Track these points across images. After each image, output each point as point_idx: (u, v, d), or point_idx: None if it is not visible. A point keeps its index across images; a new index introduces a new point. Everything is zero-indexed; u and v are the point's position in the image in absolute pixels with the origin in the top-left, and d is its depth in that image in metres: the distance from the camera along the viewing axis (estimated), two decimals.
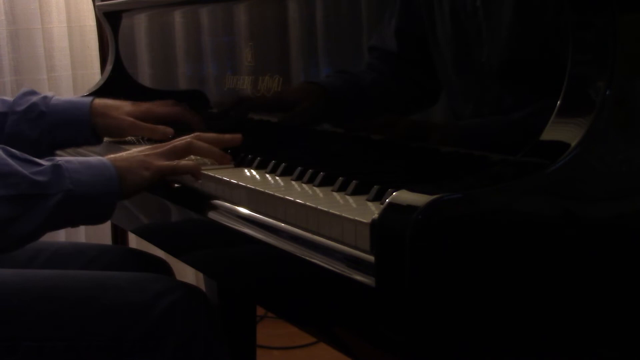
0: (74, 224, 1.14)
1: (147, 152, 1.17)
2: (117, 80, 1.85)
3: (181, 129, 1.46)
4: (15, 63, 2.43)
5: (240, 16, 1.41)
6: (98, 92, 1.82)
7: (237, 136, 1.26)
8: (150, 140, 1.51)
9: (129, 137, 1.57)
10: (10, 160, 1.04)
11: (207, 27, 1.52)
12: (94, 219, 1.13)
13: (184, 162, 1.19)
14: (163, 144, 1.21)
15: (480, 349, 0.73)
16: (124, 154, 1.16)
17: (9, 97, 1.47)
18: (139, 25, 1.79)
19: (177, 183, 1.23)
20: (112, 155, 1.15)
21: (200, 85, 1.56)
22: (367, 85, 1.14)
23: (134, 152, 1.17)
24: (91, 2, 2.39)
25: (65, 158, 1.10)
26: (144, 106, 1.50)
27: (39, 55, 2.43)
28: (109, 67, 1.89)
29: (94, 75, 2.45)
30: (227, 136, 1.26)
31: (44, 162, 1.07)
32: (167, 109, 1.51)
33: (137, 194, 1.16)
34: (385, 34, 1.09)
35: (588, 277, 0.76)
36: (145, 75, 1.78)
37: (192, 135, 1.22)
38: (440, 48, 1.01)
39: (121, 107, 1.48)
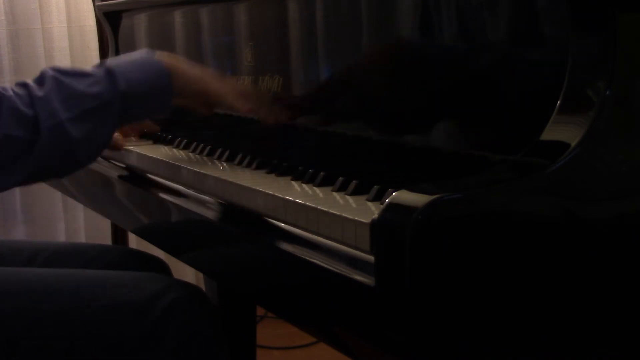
0: (140, 118, 1.26)
1: (205, 73, 1.22)
2: None
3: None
4: (15, 63, 2.43)
5: (240, 16, 1.41)
6: None
7: (286, 116, 1.26)
8: (149, 140, 1.51)
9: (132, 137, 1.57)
10: (65, 81, 1.10)
11: (207, 27, 1.52)
12: (154, 112, 1.21)
13: (241, 102, 1.22)
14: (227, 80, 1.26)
15: (480, 349, 0.73)
16: (180, 58, 1.23)
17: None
18: (139, 25, 1.79)
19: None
20: (165, 53, 1.21)
21: None
22: (367, 85, 1.14)
23: (190, 64, 1.22)
24: (91, 2, 2.39)
25: (114, 60, 1.17)
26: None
27: (39, 55, 2.43)
28: None
29: None
30: (279, 113, 1.26)
31: (96, 70, 1.13)
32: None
33: (182, 98, 1.20)
34: (395, 30, 1.09)
35: (588, 277, 0.76)
36: None
37: (252, 92, 1.26)
38: (441, 47, 1.01)
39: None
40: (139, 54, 1.20)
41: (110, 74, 1.13)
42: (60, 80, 1.10)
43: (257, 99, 1.24)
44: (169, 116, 1.23)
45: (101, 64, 1.15)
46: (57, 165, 1.12)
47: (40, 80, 1.11)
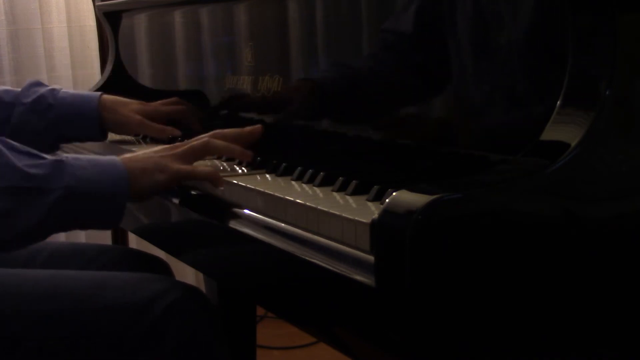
0: (81, 226, 1.10)
1: (162, 154, 1.12)
2: (117, 80, 1.85)
3: (187, 128, 1.47)
4: (15, 63, 2.43)
5: (240, 16, 1.41)
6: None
7: (257, 127, 1.20)
8: (153, 140, 1.51)
9: (131, 137, 1.57)
10: (6, 152, 1.01)
11: (207, 27, 1.52)
12: (102, 221, 1.08)
13: (201, 168, 1.14)
14: (179, 144, 1.16)
15: (480, 349, 0.73)
16: (138, 153, 1.12)
17: (16, 89, 1.46)
18: (139, 25, 1.79)
19: (196, 190, 1.23)
20: (126, 155, 1.11)
21: (200, 85, 1.56)
22: (367, 85, 1.14)
23: (149, 152, 1.12)
24: (91, 2, 2.40)
25: (73, 155, 1.07)
26: (152, 105, 1.49)
27: (39, 55, 2.43)
28: (109, 67, 1.89)
29: (94, 75, 2.45)
30: (247, 130, 1.20)
31: (47, 157, 1.04)
32: (172, 107, 1.50)
33: (149, 198, 1.12)
34: (395, 30, 1.09)
35: (588, 277, 0.76)
36: (145, 76, 1.78)
37: (209, 133, 1.17)
38: (441, 47, 1.01)
39: (129, 104, 1.47)
40: (104, 157, 1.09)
41: (59, 163, 1.03)
42: (1, 150, 1.01)
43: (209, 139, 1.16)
44: (116, 226, 1.11)
45: (58, 154, 1.06)
46: None
47: None
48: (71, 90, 1.47)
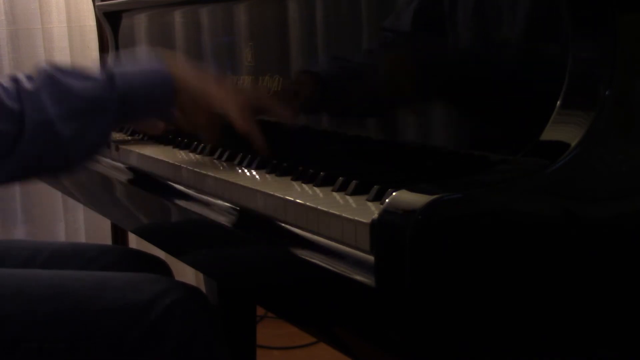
0: (139, 121, 1.25)
1: (207, 78, 1.18)
2: None
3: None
4: (15, 63, 2.43)
5: (240, 16, 1.41)
6: None
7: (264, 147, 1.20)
8: (151, 138, 1.51)
9: (126, 136, 1.57)
10: (61, 78, 1.07)
11: (207, 27, 1.52)
12: (155, 117, 1.22)
13: (241, 120, 1.17)
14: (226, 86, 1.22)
15: (480, 349, 0.73)
16: (188, 64, 1.19)
17: None
18: (139, 25, 1.79)
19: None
20: (171, 57, 1.19)
21: None
22: (367, 85, 1.14)
23: (198, 74, 1.18)
24: (91, 2, 2.39)
25: (120, 62, 1.15)
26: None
27: (39, 55, 2.43)
28: None
29: None
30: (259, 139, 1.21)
31: (97, 72, 1.11)
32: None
33: (189, 107, 1.17)
34: (395, 30, 1.09)
35: (588, 277, 0.76)
36: None
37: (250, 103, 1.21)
38: (441, 47, 1.01)
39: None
40: (146, 58, 1.17)
41: (110, 77, 1.10)
42: (54, 77, 1.07)
43: (252, 126, 1.19)
44: (170, 119, 1.20)
45: (105, 66, 1.13)
46: (47, 163, 1.09)
47: (33, 74, 1.08)
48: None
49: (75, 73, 1.10)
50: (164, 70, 1.14)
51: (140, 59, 1.17)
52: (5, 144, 1.04)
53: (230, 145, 1.27)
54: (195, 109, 1.17)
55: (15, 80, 1.07)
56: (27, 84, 1.06)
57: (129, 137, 1.57)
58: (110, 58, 1.89)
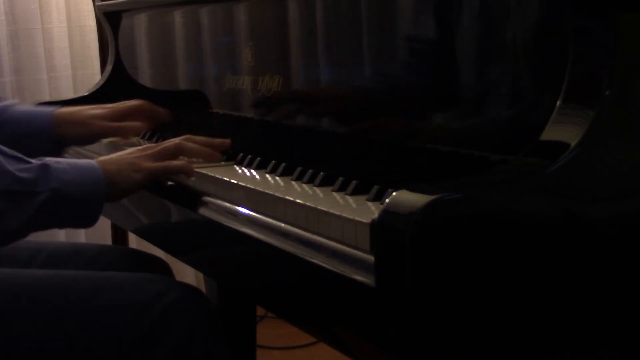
0: (61, 225, 1.15)
1: (136, 154, 1.17)
2: (117, 80, 1.85)
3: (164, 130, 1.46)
4: (15, 63, 2.43)
5: (240, 16, 1.41)
6: (98, 92, 1.82)
7: (227, 141, 1.26)
8: (150, 139, 1.51)
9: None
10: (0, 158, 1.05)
11: (207, 27, 1.52)
12: (81, 221, 1.12)
13: (175, 161, 1.19)
14: (152, 145, 1.21)
15: (481, 349, 0.73)
16: (113, 156, 1.17)
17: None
18: (139, 25, 1.79)
19: (173, 181, 1.23)
20: (102, 158, 1.16)
21: (200, 85, 1.56)
22: (367, 85, 1.14)
23: (123, 154, 1.17)
24: (91, 2, 2.39)
25: (54, 159, 1.11)
26: (108, 106, 1.46)
27: (39, 55, 2.43)
28: (109, 67, 1.89)
29: (94, 75, 2.45)
30: (217, 140, 1.26)
31: (33, 161, 1.08)
32: (131, 103, 1.48)
33: (126, 197, 1.17)
34: (394, 30, 1.09)
35: (588, 277, 0.76)
36: (145, 75, 1.78)
37: (181, 137, 1.23)
38: (441, 47, 1.01)
39: (84, 111, 1.44)
40: (83, 160, 1.14)
41: (45, 167, 1.07)
42: None
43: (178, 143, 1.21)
44: (93, 224, 1.15)
45: (42, 158, 1.10)
46: None
47: None
48: (24, 107, 1.45)
49: (13, 156, 1.07)
50: (98, 172, 1.11)
51: (78, 160, 1.14)
52: None
53: (230, 145, 1.27)
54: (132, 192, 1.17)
55: None
56: None
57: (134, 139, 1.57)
58: (110, 58, 1.89)
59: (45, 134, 1.41)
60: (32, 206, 1.05)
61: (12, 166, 1.05)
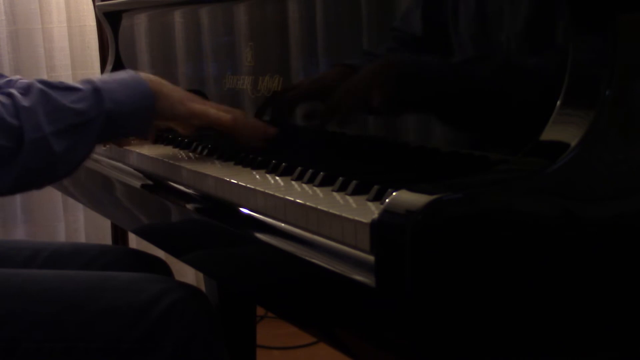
0: (121, 136, 1.26)
1: (187, 94, 1.23)
2: None
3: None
4: (15, 63, 2.43)
5: (240, 16, 1.41)
6: None
7: (272, 129, 1.27)
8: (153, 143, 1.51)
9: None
10: (52, 94, 1.11)
11: (207, 27, 1.52)
12: (135, 132, 1.23)
13: (221, 113, 1.24)
14: (206, 101, 1.27)
15: (482, 349, 0.73)
16: (164, 81, 1.22)
17: None
18: (139, 25, 1.79)
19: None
20: (151, 76, 1.22)
21: (200, 85, 1.56)
22: (367, 85, 1.14)
23: (176, 87, 1.24)
24: (91, 2, 2.40)
25: (101, 78, 1.18)
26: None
27: (39, 55, 2.43)
28: (109, 67, 1.89)
29: (94, 75, 2.45)
30: (264, 127, 1.27)
31: (83, 86, 1.14)
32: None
33: (164, 120, 1.23)
34: (394, 30, 1.09)
35: (589, 277, 0.76)
36: None
37: (234, 112, 1.26)
38: (441, 47, 1.01)
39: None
40: (125, 74, 1.20)
41: (96, 91, 1.14)
42: (47, 93, 1.11)
43: (237, 113, 1.26)
44: (147, 136, 1.25)
45: (89, 80, 1.16)
46: (37, 177, 1.12)
47: (27, 91, 1.11)
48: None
49: (64, 87, 1.13)
50: (144, 83, 1.18)
51: (122, 75, 1.20)
52: (5, 158, 1.07)
53: (230, 145, 1.27)
54: (176, 119, 1.24)
55: (10, 96, 1.09)
56: (23, 101, 1.09)
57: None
58: (110, 58, 1.89)
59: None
60: (94, 131, 1.13)
61: (67, 99, 1.12)
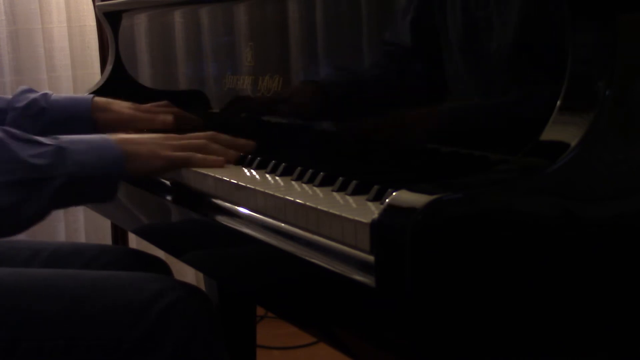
0: (79, 203, 1.21)
1: (158, 141, 1.16)
2: (117, 80, 1.85)
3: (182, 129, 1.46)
4: (15, 63, 2.43)
5: (240, 16, 1.41)
6: (98, 92, 1.81)
7: (251, 142, 1.25)
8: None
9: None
10: (10, 145, 1.05)
11: (207, 27, 1.52)
12: (98, 199, 1.15)
13: (199, 155, 1.18)
14: (178, 135, 1.20)
15: (481, 349, 0.73)
16: (135, 136, 1.16)
17: (6, 96, 1.47)
18: (139, 25, 1.79)
19: (173, 181, 1.23)
20: (122, 136, 1.15)
21: (200, 85, 1.56)
22: (367, 85, 1.14)
23: (145, 137, 1.17)
24: (91, 2, 2.40)
25: (70, 138, 1.11)
26: (143, 106, 1.50)
27: (39, 55, 2.43)
28: (109, 67, 1.89)
29: (94, 75, 2.45)
30: (242, 141, 1.25)
31: (48, 142, 1.08)
32: (164, 109, 1.51)
33: (143, 177, 1.19)
34: (394, 30, 1.09)
35: (589, 277, 0.76)
36: (145, 75, 1.78)
37: (207, 134, 1.22)
38: (441, 47, 1.01)
39: (121, 103, 1.48)
40: (97, 136, 1.14)
41: (60, 150, 1.07)
42: (5, 143, 1.05)
43: (210, 138, 1.22)
44: (112, 200, 1.16)
45: (56, 137, 1.10)
46: None
47: None
48: (63, 94, 1.48)
49: (26, 140, 1.07)
50: (115, 150, 1.11)
51: (93, 137, 1.14)
52: None
53: None
54: (156, 175, 1.20)
55: None
56: None
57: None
58: (110, 58, 1.89)
59: (85, 118, 1.44)
60: (49, 191, 1.05)
61: (26, 152, 1.05)
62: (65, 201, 1.11)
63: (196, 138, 1.20)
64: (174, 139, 1.18)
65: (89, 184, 1.09)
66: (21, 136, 1.07)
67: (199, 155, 1.17)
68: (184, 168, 1.21)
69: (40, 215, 1.08)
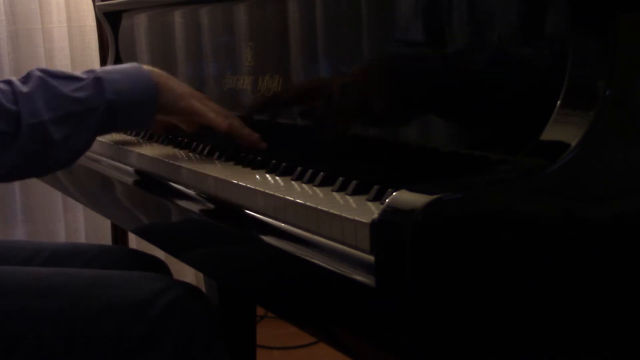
0: (122, 129, 1.30)
1: (192, 91, 1.23)
2: None
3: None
4: (15, 63, 2.43)
5: (240, 16, 1.41)
6: None
7: (263, 145, 1.25)
8: (150, 138, 1.51)
9: (131, 137, 1.57)
10: (51, 82, 1.11)
11: (207, 27, 1.52)
12: (138, 125, 1.25)
13: (221, 118, 1.23)
14: (207, 101, 1.25)
15: (481, 349, 0.73)
16: (168, 74, 1.22)
17: None
18: (139, 25, 1.79)
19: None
20: (158, 70, 1.21)
21: (200, 85, 1.56)
22: (367, 85, 1.14)
23: (179, 82, 1.23)
24: (91, 2, 2.40)
25: (103, 68, 1.17)
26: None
27: (39, 55, 2.43)
28: None
29: None
30: (256, 137, 1.25)
31: (85, 76, 1.14)
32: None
33: (165, 114, 1.22)
34: (394, 30, 1.10)
35: (589, 277, 0.76)
36: None
37: (230, 116, 1.25)
38: (441, 46, 1.01)
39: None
40: (129, 66, 1.20)
41: (98, 81, 1.14)
42: (46, 81, 1.11)
43: (235, 120, 1.25)
44: (150, 128, 1.25)
45: (91, 70, 1.16)
46: (35, 163, 1.12)
47: (26, 78, 1.12)
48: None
49: (65, 76, 1.13)
50: (147, 75, 1.18)
51: (125, 66, 1.20)
52: (3, 143, 1.07)
53: (230, 145, 1.27)
54: (177, 113, 1.23)
55: (9, 83, 1.11)
56: (21, 87, 1.10)
57: (133, 138, 1.57)
58: (110, 58, 1.89)
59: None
60: (94, 121, 1.13)
61: (67, 87, 1.12)
62: (108, 128, 1.17)
63: (220, 115, 1.24)
64: (205, 99, 1.25)
65: (127, 110, 1.15)
66: (59, 73, 1.14)
67: (213, 116, 1.23)
68: (183, 168, 1.22)
69: (88, 144, 1.14)
